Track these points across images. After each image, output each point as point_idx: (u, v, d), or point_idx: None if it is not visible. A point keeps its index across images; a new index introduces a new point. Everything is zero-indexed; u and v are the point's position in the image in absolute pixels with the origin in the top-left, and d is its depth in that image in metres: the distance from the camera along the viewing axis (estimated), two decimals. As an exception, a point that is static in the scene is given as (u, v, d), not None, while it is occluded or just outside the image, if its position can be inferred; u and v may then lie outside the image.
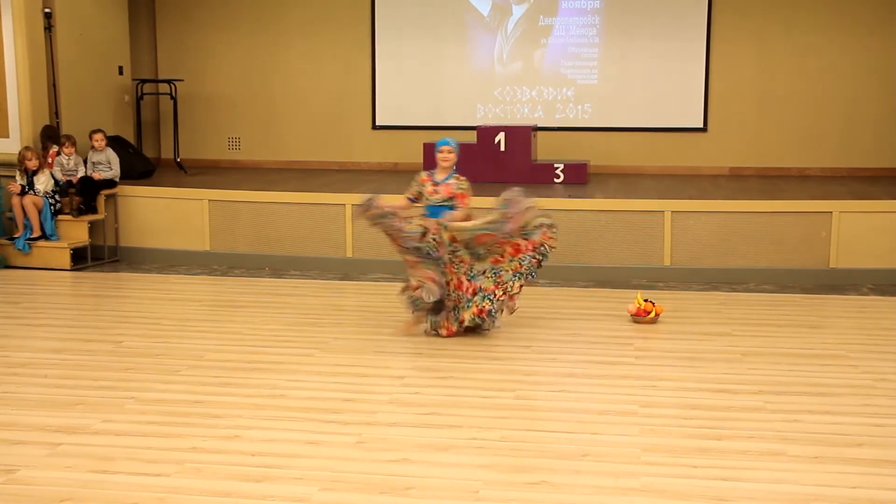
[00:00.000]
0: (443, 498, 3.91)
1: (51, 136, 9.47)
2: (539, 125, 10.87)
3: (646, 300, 6.91)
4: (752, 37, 10.89)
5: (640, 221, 8.52)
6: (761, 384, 5.40)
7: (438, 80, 11.54)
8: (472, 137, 10.25)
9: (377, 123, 11.70)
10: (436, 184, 6.43)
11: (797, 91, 10.85)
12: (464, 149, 10.14)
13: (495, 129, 10.16)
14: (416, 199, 6.51)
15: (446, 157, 6.47)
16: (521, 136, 10.10)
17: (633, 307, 6.87)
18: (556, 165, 9.99)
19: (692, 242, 8.46)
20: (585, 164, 10.11)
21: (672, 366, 5.81)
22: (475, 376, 5.58)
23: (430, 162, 10.21)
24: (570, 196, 8.87)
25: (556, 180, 9.95)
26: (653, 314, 6.81)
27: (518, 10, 11.38)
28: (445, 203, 6.36)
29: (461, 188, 6.41)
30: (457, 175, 6.48)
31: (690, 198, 8.76)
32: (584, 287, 8.19)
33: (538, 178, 9.94)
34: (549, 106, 11.39)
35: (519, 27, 11.40)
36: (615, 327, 6.75)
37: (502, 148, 10.06)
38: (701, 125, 11.09)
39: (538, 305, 7.47)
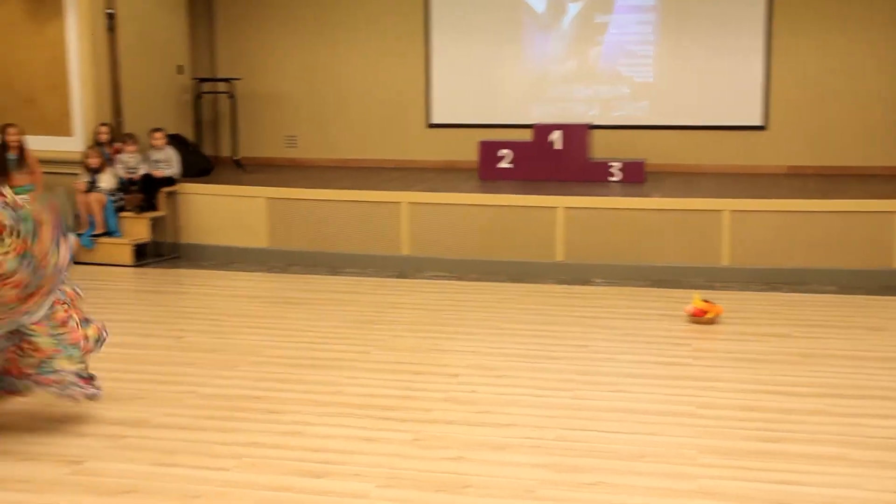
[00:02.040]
0: (499, 497, 3.91)
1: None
2: (595, 123, 10.81)
3: (704, 300, 6.84)
4: (813, 32, 10.70)
5: (698, 221, 8.44)
6: (822, 387, 5.32)
7: (493, 79, 11.53)
8: (527, 136, 10.24)
9: (432, 122, 11.73)
10: None
11: (858, 88, 10.63)
12: (519, 147, 10.20)
13: (551, 127, 10.13)
14: None
15: None
16: (577, 134, 10.06)
17: (690, 307, 6.80)
18: (611, 164, 9.93)
19: (751, 242, 8.35)
20: (642, 163, 10.03)
21: (730, 367, 5.75)
22: (531, 375, 5.58)
23: (486, 161, 10.25)
24: (626, 195, 8.81)
25: (612, 179, 9.89)
26: (711, 314, 6.74)
27: (573, 8, 11.33)
28: None
29: None
30: None
31: (749, 197, 8.65)
32: (640, 287, 8.13)
33: (594, 176, 9.89)
34: (605, 104, 11.32)
35: (574, 25, 11.35)
36: (672, 327, 6.70)
37: (558, 146, 10.02)
38: (760, 123, 10.93)
39: (594, 305, 7.45)
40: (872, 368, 5.68)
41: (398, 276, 8.61)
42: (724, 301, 7.13)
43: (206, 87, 11.47)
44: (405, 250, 8.97)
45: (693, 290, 7.37)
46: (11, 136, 8.94)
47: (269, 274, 8.82)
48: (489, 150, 10.25)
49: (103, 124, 9.46)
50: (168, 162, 9.49)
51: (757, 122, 10.94)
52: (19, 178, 8.99)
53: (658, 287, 8.06)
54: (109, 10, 9.70)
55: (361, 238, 9.07)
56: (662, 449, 4.41)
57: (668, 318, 6.93)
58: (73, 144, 9.57)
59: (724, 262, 8.37)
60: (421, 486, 4.00)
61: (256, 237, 9.34)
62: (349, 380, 5.46)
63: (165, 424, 4.74)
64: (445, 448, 4.43)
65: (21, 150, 9.01)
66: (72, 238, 4.71)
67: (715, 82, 10.98)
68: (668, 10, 11.06)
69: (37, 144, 9.28)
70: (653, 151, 10.83)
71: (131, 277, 8.77)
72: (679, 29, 11.03)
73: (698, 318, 6.74)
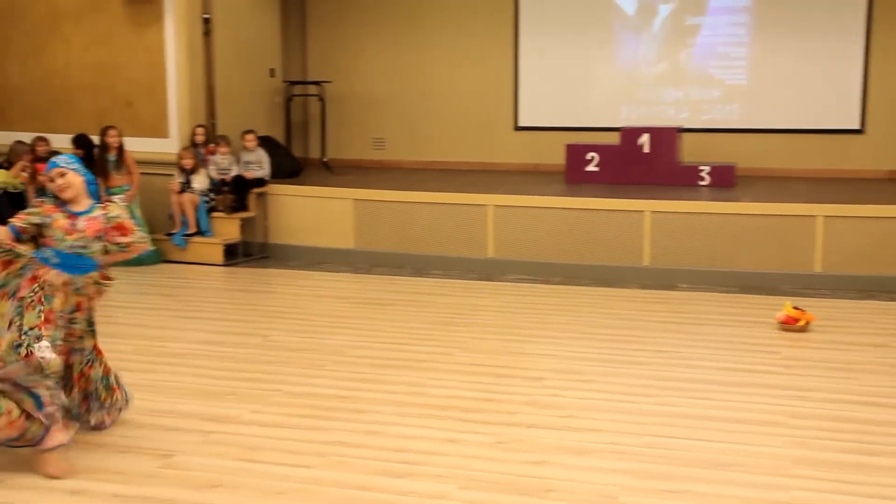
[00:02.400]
0: (581, 502, 3.88)
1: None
2: (685, 126, 10.64)
3: (795, 307, 6.67)
4: (915, 34, 10.36)
5: (790, 226, 8.23)
6: (920, 399, 5.14)
7: (582, 81, 11.45)
8: (615, 139, 10.13)
9: (519, 124, 11.70)
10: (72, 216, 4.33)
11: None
12: (607, 150, 10.10)
13: (639, 131, 10.01)
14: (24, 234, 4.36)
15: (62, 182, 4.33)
16: (666, 137, 9.92)
17: (781, 315, 6.64)
18: (701, 168, 9.77)
19: (846, 249, 8.11)
20: (733, 167, 9.84)
21: (822, 376, 5.59)
22: (615, 380, 5.51)
23: (572, 164, 10.19)
24: (715, 199, 8.65)
25: (701, 183, 9.73)
26: (802, 322, 6.57)
27: (664, 10, 11.18)
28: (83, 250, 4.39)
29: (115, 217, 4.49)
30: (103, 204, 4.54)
31: (844, 202, 8.40)
32: (728, 292, 7.97)
33: (683, 180, 9.74)
34: (696, 107, 11.14)
35: (665, 27, 11.20)
36: (761, 335, 6.55)
37: (646, 149, 9.90)
38: (857, 126, 10.62)
39: (680, 310, 7.33)
40: (974, 381, 5.47)
41: (482, 279, 8.61)
42: (817, 309, 6.94)
43: (297, 89, 11.65)
44: (490, 253, 8.97)
45: (784, 297, 7.20)
46: (111, 138, 9.22)
47: (354, 275, 8.91)
48: (576, 153, 10.18)
49: (199, 126, 9.69)
50: (259, 163, 9.67)
51: (854, 126, 10.63)
52: (117, 178, 9.27)
53: (747, 293, 7.89)
54: (206, 15, 9.92)
55: (446, 240, 9.09)
56: (751, 458, 4.31)
57: (756, 325, 6.78)
58: (168, 146, 9.82)
59: (817, 268, 8.15)
60: (502, 489, 3.99)
61: (343, 238, 9.45)
62: (432, 381, 5.48)
63: (252, 421, 4.83)
64: (527, 452, 4.41)
65: (120, 151, 9.29)
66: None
67: (810, 85, 10.71)
68: (762, 11, 10.83)
69: (134, 146, 9.56)
70: (744, 155, 10.61)
71: (221, 276, 8.96)
72: (774, 30, 10.79)
73: (789, 325, 6.58)
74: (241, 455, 4.36)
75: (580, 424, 4.77)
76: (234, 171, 9.60)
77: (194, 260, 9.33)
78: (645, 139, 9.91)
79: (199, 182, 9.44)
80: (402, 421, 4.81)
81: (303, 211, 9.65)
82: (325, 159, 11.50)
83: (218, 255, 9.31)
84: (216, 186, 9.56)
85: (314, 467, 4.23)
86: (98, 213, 4.38)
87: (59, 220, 4.27)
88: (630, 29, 11.30)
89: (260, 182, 9.65)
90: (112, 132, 9.23)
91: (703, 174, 9.74)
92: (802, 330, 6.57)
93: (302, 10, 12.27)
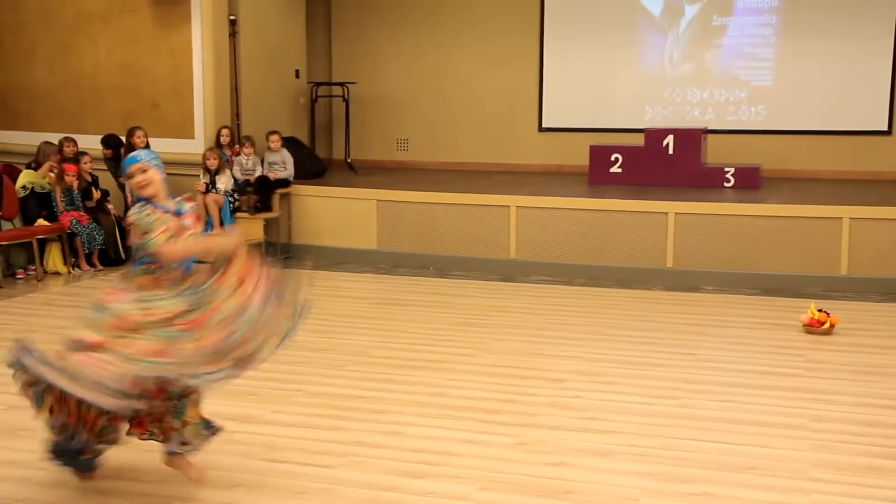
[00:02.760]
0: (601, 504, 3.88)
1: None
2: (710, 128, 10.59)
3: (820, 310, 6.62)
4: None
5: (816, 228, 8.17)
6: (945, 403, 5.09)
7: (606, 82, 11.43)
8: (639, 140, 10.10)
9: (543, 125, 11.70)
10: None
11: None
12: (631, 151, 10.07)
13: (664, 132, 9.98)
14: None
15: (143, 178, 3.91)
16: (691, 138, 9.88)
17: (805, 317, 6.60)
18: (726, 169, 9.72)
19: (872, 251, 8.03)
20: (758, 168, 9.78)
21: (846, 379, 5.55)
22: (636, 382, 5.50)
23: (596, 165, 10.16)
24: (740, 201, 8.60)
25: (726, 185, 9.68)
26: (827, 325, 6.52)
27: (690, 10, 11.14)
28: None
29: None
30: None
31: (871, 203, 8.34)
32: (752, 294, 7.93)
33: (708, 181, 9.70)
34: (721, 108, 11.09)
35: (691, 27, 11.15)
36: (785, 337, 6.51)
37: (671, 151, 9.86)
38: (885, 128, 10.53)
39: (703, 312, 7.30)
40: None
41: (504, 280, 8.61)
42: (842, 311, 6.89)
43: (322, 90, 11.70)
44: (513, 254, 8.96)
45: (808, 300, 7.14)
46: (138, 139, 9.30)
47: (376, 275, 8.94)
48: (600, 155, 10.16)
49: (225, 127, 9.75)
50: (283, 164, 9.72)
51: (882, 127, 10.55)
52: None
53: (771, 295, 7.84)
54: (232, 17, 9.98)
55: (469, 241, 9.10)
56: (773, 462, 4.29)
57: (780, 327, 6.74)
58: (194, 147, 9.89)
59: (843, 271, 8.08)
60: (522, 491, 3.99)
61: (366, 238, 9.48)
62: (453, 382, 5.49)
63: (274, 421, 4.86)
64: (548, 453, 4.41)
65: (145, 152, 9.35)
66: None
67: (837, 86, 10.64)
68: (789, 12, 10.77)
69: (160, 147, 9.62)
70: (769, 156, 10.56)
71: (246, 276, 8.98)
72: (800, 31, 10.73)
73: (814, 328, 6.54)
74: (263, 455, 4.39)
75: (601, 426, 4.76)
76: (259, 172, 9.65)
77: (218, 260, 9.37)
78: (669, 140, 9.87)
79: (224, 182, 9.49)
80: (422, 422, 4.83)
81: (326, 211, 9.69)
82: (348, 160, 11.54)
83: (242, 255, 9.34)
84: (240, 187, 9.61)
85: (335, 467, 4.25)
86: (188, 206, 4.05)
87: (173, 223, 3.90)
88: (655, 30, 11.26)
89: (284, 182, 9.70)
90: (139, 133, 9.31)
91: (727, 176, 9.69)
92: (827, 333, 6.52)
93: (327, 11, 12.32)
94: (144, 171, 3.92)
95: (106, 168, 9.60)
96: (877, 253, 8.02)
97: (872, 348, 6.22)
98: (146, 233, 3.79)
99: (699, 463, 4.28)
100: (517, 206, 8.95)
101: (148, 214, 3.82)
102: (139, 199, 3.91)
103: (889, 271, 7.98)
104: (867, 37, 10.49)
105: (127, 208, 9.29)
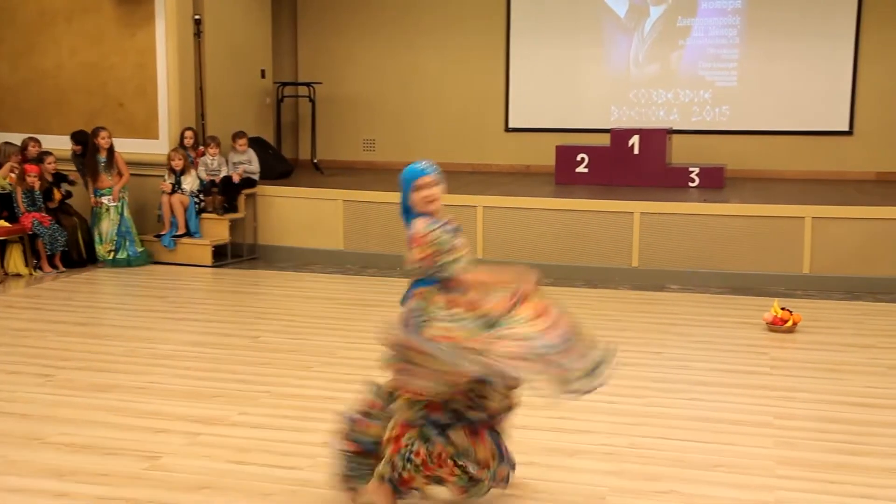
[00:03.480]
0: (570, 503, 3.88)
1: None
2: (675, 128, 10.67)
3: (783, 308, 6.69)
4: (904, 36, 10.41)
5: (779, 227, 8.26)
6: (907, 399, 5.16)
7: (572, 83, 11.48)
8: (605, 140, 10.16)
9: (510, 126, 11.72)
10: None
11: (952, 92, 10.32)
12: (597, 152, 10.12)
13: (629, 132, 10.03)
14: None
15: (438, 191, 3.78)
16: (656, 139, 9.94)
17: (769, 315, 6.66)
18: (691, 169, 9.80)
19: (834, 250, 8.14)
20: (722, 168, 9.87)
21: (810, 377, 5.61)
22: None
23: (562, 165, 10.20)
24: (705, 200, 8.67)
25: (690, 184, 9.76)
26: (790, 323, 6.59)
27: (655, 11, 11.21)
28: None
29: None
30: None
31: (833, 203, 8.44)
32: (718, 293, 7.99)
33: (672, 181, 9.77)
34: (686, 108, 11.18)
35: (656, 28, 11.23)
36: (750, 335, 6.57)
37: (636, 151, 9.92)
38: (846, 128, 10.66)
39: (669, 312, 7.35)
40: (961, 382, 5.50)
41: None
42: (805, 310, 6.97)
43: (288, 90, 11.64)
44: (480, 254, 8.96)
45: (772, 298, 7.22)
46: (102, 139, 9.21)
47: (344, 276, 8.91)
48: (566, 155, 10.20)
49: (188, 129, 9.67)
50: (248, 163, 9.66)
51: (843, 128, 10.68)
52: (108, 179, 9.26)
53: (736, 294, 7.91)
54: (197, 16, 9.90)
55: (437, 241, 9.07)
56: (738, 459, 4.33)
57: (745, 326, 6.80)
58: (158, 147, 9.80)
59: (805, 269, 8.17)
60: (492, 490, 3.98)
61: (333, 239, 9.45)
62: (421, 382, 5.47)
63: (241, 423, 4.82)
64: (517, 453, 4.38)
65: (110, 152, 9.27)
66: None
67: (800, 86, 10.76)
68: (754, 13, 10.87)
69: (124, 147, 9.55)
70: (733, 156, 10.66)
71: (210, 278, 8.95)
72: (764, 32, 10.84)
73: (777, 326, 6.60)
74: (229, 457, 4.36)
75: (569, 426, 4.77)
76: (224, 173, 9.58)
77: (183, 261, 9.32)
78: (635, 141, 9.93)
79: (189, 183, 9.42)
80: (390, 422, 4.80)
81: (292, 212, 9.64)
82: (315, 160, 11.50)
83: (207, 256, 9.30)
84: (206, 188, 9.54)
85: (302, 469, 4.22)
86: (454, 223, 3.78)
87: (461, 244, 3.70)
88: (621, 30, 11.33)
89: (250, 183, 9.64)
90: (103, 133, 9.22)
91: (692, 175, 9.77)
92: (790, 331, 6.59)
93: (293, 11, 12.27)
94: (436, 184, 3.71)
95: (74, 166, 9.50)
96: (839, 252, 8.12)
97: (835, 346, 6.30)
98: (443, 253, 3.60)
99: (666, 461, 4.30)
100: (484, 207, 8.96)
101: (446, 233, 3.63)
102: (411, 213, 3.71)
103: (851, 270, 8.08)
104: (829, 38, 10.62)
105: (93, 209, 9.22)
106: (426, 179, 3.73)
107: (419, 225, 3.64)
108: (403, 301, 3.70)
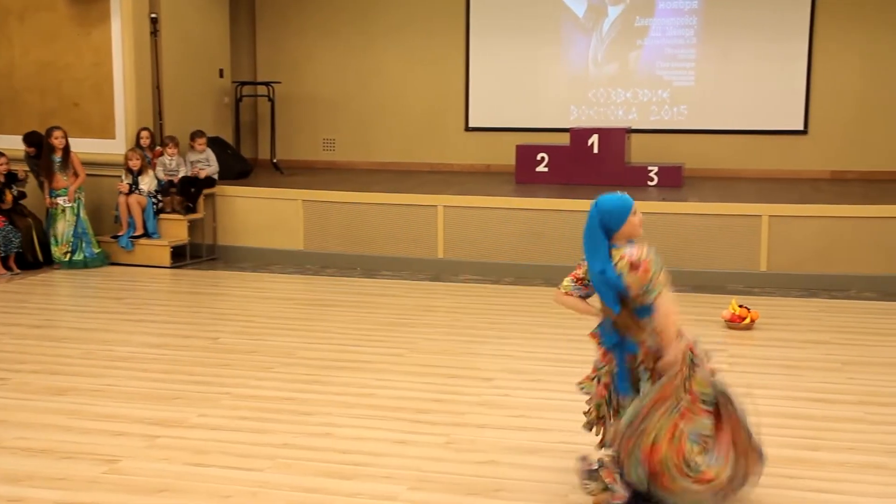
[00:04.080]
0: (531, 501, 3.89)
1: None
2: (633, 127, 10.74)
3: (741, 306, 6.76)
4: (856, 36, 10.56)
5: (737, 226, 8.35)
6: (862, 394, 5.23)
7: (532, 82, 11.51)
8: (565, 139, 10.20)
9: (470, 125, 11.73)
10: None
11: (903, 92, 10.49)
12: (557, 151, 10.16)
13: (589, 132, 10.08)
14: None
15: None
16: (615, 138, 10.00)
17: (727, 313, 6.73)
18: (650, 168, 9.87)
19: (791, 248, 8.24)
20: (680, 167, 9.95)
21: (767, 373, 5.68)
22: (565, 379, 5.51)
23: (523, 164, 10.22)
24: (664, 199, 8.74)
25: (650, 183, 9.83)
26: (748, 320, 6.67)
27: (614, 11, 11.28)
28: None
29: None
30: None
31: (789, 202, 8.55)
32: (677, 291, 8.02)
33: (632, 180, 9.83)
34: (644, 108, 11.26)
35: (614, 28, 11.29)
36: (708, 333, 6.58)
37: (595, 150, 9.97)
38: (801, 127, 10.80)
39: (630, 309, 7.39)
40: (914, 377, 5.59)
41: (433, 280, 8.61)
42: (762, 307, 7.05)
43: (247, 90, 11.56)
44: (441, 253, 8.97)
45: (730, 296, 7.29)
46: (56, 139, 9.08)
47: (304, 276, 8.86)
48: (526, 154, 10.23)
49: (144, 129, 9.56)
50: (207, 162, 9.57)
51: (799, 127, 10.82)
52: (63, 180, 9.13)
53: (694, 292, 7.97)
54: (153, 15, 9.80)
55: (397, 241, 9.08)
56: (697, 455, 4.35)
57: (704, 323, 6.85)
58: (115, 147, 9.69)
59: (763, 267, 8.27)
60: (452, 490, 3.99)
61: (293, 239, 9.39)
62: (382, 382, 5.47)
63: (200, 425, 4.77)
64: (478, 451, 4.42)
65: (66, 152, 9.14)
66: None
67: (756, 87, 10.87)
68: (710, 13, 10.98)
69: (80, 147, 9.42)
70: (691, 156, 10.74)
71: (168, 279, 8.86)
72: (721, 33, 10.94)
73: (735, 323, 6.67)
74: (189, 459, 4.32)
75: (530, 424, 4.79)
76: (182, 173, 9.49)
77: (141, 262, 9.21)
78: (594, 140, 9.98)
79: (147, 183, 9.32)
80: (351, 422, 4.80)
81: (252, 212, 9.57)
82: (274, 160, 11.42)
83: (165, 257, 9.21)
84: (164, 188, 9.44)
85: (263, 470, 4.19)
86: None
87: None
88: (580, 30, 11.38)
89: (208, 183, 9.55)
90: (57, 133, 9.09)
91: (651, 174, 9.84)
92: (748, 328, 6.66)
93: (251, 10, 12.18)
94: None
95: (28, 168, 9.36)
96: (795, 250, 8.22)
97: (792, 342, 6.38)
98: (659, 276, 3.70)
99: (626, 458, 4.32)
100: (445, 206, 8.96)
101: (657, 257, 3.69)
102: (604, 244, 3.76)
103: (807, 267, 8.19)
104: (784, 39, 10.75)
105: (49, 210, 9.08)
106: (635, 206, 3.87)
107: (637, 250, 3.69)
108: (618, 334, 3.79)
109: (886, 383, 5.45)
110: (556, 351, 6.14)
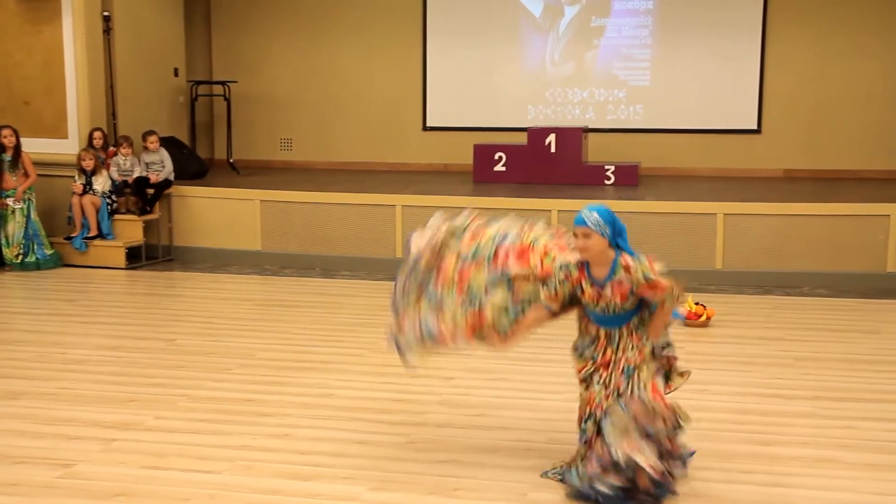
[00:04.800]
0: (490, 499, 3.90)
1: None
2: (590, 127, 10.81)
3: (697, 303, 6.84)
4: (808, 37, 10.73)
5: (692, 224, 8.44)
6: (815, 390, 5.32)
7: (490, 82, 11.54)
8: (522, 139, 10.24)
9: (428, 125, 11.73)
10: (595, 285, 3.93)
11: (854, 92, 10.66)
12: (514, 150, 10.20)
13: (546, 131, 10.13)
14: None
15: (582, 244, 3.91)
16: (572, 137, 10.06)
17: (683, 310, 6.80)
18: (606, 167, 9.94)
19: (745, 245, 8.35)
20: (636, 166, 10.04)
21: (723, 370, 5.74)
22: (525, 378, 5.57)
23: (480, 164, 10.24)
24: (620, 198, 8.81)
25: (606, 182, 9.90)
26: (704, 317, 6.74)
27: (570, 11, 11.34)
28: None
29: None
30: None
31: (743, 200, 8.66)
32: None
33: (588, 179, 9.90)
34: (601, 107, 11.33)
35: (571, 28, 11.36)
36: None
37: (553, 149, 10.03)
38: (755, 127, 10.95)
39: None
40: (865, 372, 5.69)
41: (392, 279, 8.56)
42: (718, 304, 7.13)
43: (202, 89, 11.45)
44: (399, 253, 8.95)
45: (686, 293, 7.36)
46: (5, 138, 8.93)
47: (262, 277, 8.81)
48: (484, 154, 10.25)
49: (97, 129, 9.43)
50: (161, 163, 9.47)
51: (752, 126, 10.96)
52: (13, 180, 8.98)
53: (652, 290, 8.04)
54: (105, 13, 9.68)
55: (355, 241, 9.06)
56: (654, 452, 4.39)
57: (661, 321, 6.91)
58: (68, 147, 9.56)
59: (718, 265, 8.37)
60: (412, 489, 3.99)
61: (250, 240, 9.33)
62: (341, 382, 5.45)
63: (156, 428, 4.72)
64: (438, 451, 4.42)
65: (16, 151, 9.00)
66: None
67: (711, 86, 10.99)
68: (665, 13, 11.08)
69: (32, 146, 9.28)
70: (647, 155, 10.84)
71: (124, 280, 8.75)
72: (676, 33, 11.05)
73: (691, 321, 6.74)
74: (146, 462, 4.27)
75: (490, 423, 4.80)
76: (137, 173, 9.38)
77: (95, 264, 9.10)
78: (551, 139, 10.03)
79: (101, 184, 9.20)
80: (310, 423, 4.78)
81: (208, 212, 9.49)
82: (231, 160, 11.33)
83: (120, 258, 9.10)
84: (118, 188, 9.33)
85: (221, 472, 4.16)
86: (621, 276, 3.89)
87: (587, 290, 3.91)
88: (536, 30, 11.43)
89: (164, 183, 9.45)
90: (6, 132, 8.95)
91: (608, 173, 9.91)
92: (704, 325, 6.74)
93: (206, 8, 12.08)
94: (587, 236, 3.89)
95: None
96: (750, 247, 8.33)
97: (748, 339, 6.46)
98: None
99: (585, 455, 4.35)
100: (403, 206, 8.95)
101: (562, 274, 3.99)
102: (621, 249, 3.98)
103: (761, 265, 8.31)
104: (737, 38, 10.88)
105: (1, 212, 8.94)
106: (575, 230, 3.96)
107: (653, 266, 4.02)
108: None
109: (838, 378, 5.54)
110: (516, 350, 6.13)
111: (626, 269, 3.89)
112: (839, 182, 10.21)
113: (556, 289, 3.97)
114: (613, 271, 3.89)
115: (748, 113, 10.95)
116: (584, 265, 3.94)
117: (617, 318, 3.93)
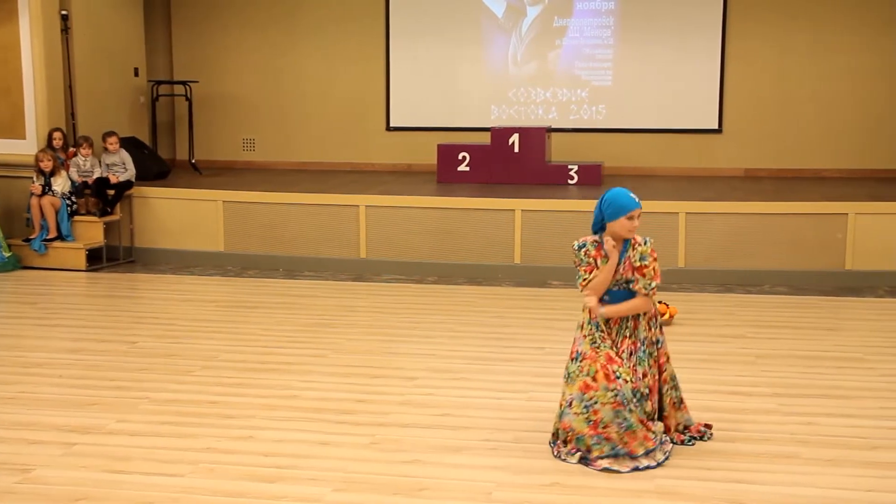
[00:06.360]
0: (455, 499, 3.91)
1: None
2: (553, 126, 10.85)
3: (660, 302, 6.87)
4: (768, 37, 10.85)
5: (655, 223, 8.46)
6: (776, 386, 5.38)
7: (453, 82, 11.55)
8: (486, 139, 10.25)
9: (391, 125, 11.71)
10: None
11: (813, 92, 10.80)
12: (478, 150, 10.22)
13: (509, 131, 10.15)
14: None
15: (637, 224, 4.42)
16: (535, 137, 10.09)
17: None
18: (569, 167, 9.98)
19: (706, 244, 8.43)
20: (599, 166, 10.09)
21: (685, 368, 5.77)
22: (488, 377, 5.58)
23: (444, 164, 10.25)
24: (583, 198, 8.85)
25: (570, 182, 9.94)
26: (666, 316, 6.79)
27: (532, 12, 11.38)
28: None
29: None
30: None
31: (705, 199, 8.73)
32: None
33: (552, 179, 9.94)
34: (564, 107, 11.38)
35: (533, 28, 11.39)
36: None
37: (516, 149, 10.05)
38: (716, 126, 11.05)
39: (551, 307, 7.47)
40: (825, 368, 5.76)
41: (355, 280, 8.58)
42: (680, 302, 7.19)
43: (163, 89, 11.36)
44: (363, 253, 8.94)
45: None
46: (-39, 139, 8.81)
47: (224, 278, 8.74)
48: (447, 154, 10.25)
49: (56, 129, 9.32)
50: (123, 165, 9.37)
51: (713, 126, 11.06)
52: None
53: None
54: (64, 12, 9.56)
55: (318, 241, 9.02)
56: (618, 450, 4.42)
57: (624, 319, 6.96)
58: (26, 147, 9.43)
59: (680, 263, 8.44)
60: (377, 490, 3.98)
61: (212, 241, 9.26)
62: (304, 384, 5.43)
63: (118, 431, 4.67)
64: (402, 451, 4.42)
65: (-28, 153, 8.88)
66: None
67: (672, 86, 11.08)
68: (626, 14, 11.15)
69: (-12, 147, 9.16)
70: (610, 154, 10.90)
71: (84, 282, 8.65)
72: (637, 33, 11.12)
73: (654, 319, 6.78)
74: (108, 466, 4.22)
75: (454, 422, 4.80)
76: (97, 174, 9.28)
77: (55, 266, 8.98)
78: (515, 139, 10.06)
79: (60, 185, 9.09)
80: (274, 425, 4.75)
81: (170, 213, 9.41)
82: (193, 161, 11.24)
83: (80, 260, 8.99)
84: (78, 189, 9.22)
85: (185, 475, 4.12)
86: (629, 252, 4.37)
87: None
88: (499, 30, 11.45)
89: (125, 184, 9.35)
90: (-37, 133, 8.82)
91: (571, 173, 9.95)
92: (666, 323, 6.77)
93: (166, 9, 11.97)
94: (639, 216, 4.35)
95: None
96: (711, 246, 8.41)
97: (710, 337, 6.52)
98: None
99: (549, 454, 4.36)
100: (367, 206, 8.93)
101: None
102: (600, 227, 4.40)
103: (722, 263, 8.39)
104: (697, 40, 10.98)
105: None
106: (638, 211, 4.40)
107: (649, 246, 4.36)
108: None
109: (799, 375, 5.61)
110: (479, 349, 6.18)
111: (634, 245, 4.35)
112: (799, 181, 10.34)
113: (584, 268, 4.37)
114: (625, 248, 4.34)
115: (709, 113, 11.06)
116: (600, 244, 4.35)
117: (626, 295, 4.31)
